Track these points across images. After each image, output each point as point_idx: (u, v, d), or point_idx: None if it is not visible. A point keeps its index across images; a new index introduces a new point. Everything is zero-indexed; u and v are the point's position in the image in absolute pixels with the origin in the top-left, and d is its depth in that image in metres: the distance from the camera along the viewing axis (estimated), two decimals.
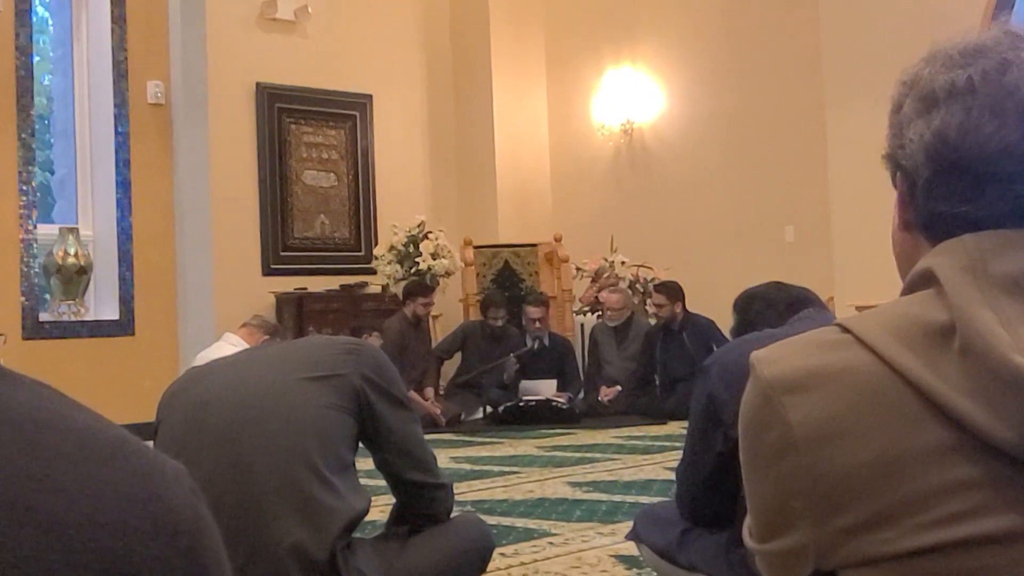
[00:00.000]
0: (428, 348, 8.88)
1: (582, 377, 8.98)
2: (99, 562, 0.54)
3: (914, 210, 1.01)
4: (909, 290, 0.98)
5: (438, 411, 8.26)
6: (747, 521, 1.02)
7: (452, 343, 9.07)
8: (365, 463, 2.56)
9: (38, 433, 0.57)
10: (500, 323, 8.88)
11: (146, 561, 0.56)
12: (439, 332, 9.78)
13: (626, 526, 3.51)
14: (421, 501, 2.61)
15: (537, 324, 8.80)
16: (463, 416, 8.54)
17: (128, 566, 0.55)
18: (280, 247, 9.95)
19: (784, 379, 0.94)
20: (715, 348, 6.57)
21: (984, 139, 0.95)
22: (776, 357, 0.96)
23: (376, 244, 10.05)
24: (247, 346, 4.46)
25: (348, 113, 10.42)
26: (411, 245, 9.54)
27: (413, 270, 9.40)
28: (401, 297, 8.83)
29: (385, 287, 9.67)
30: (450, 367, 9.22)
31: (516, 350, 8.69)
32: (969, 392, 0.87)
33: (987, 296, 0.90)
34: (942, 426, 0.88)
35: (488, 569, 2.90)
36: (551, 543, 3.96)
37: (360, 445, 2.52)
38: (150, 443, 2.51)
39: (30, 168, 7.77)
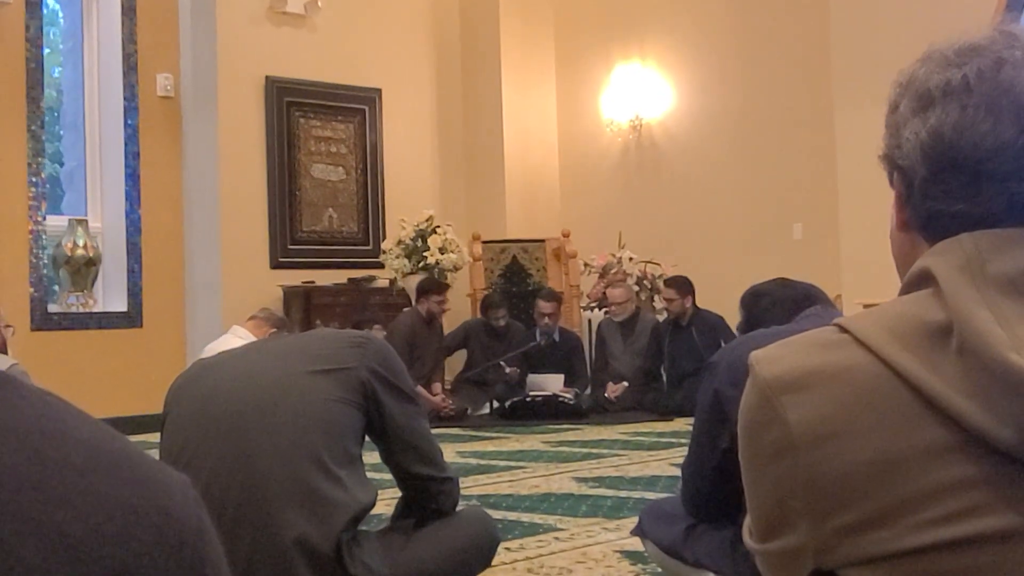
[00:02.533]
0: (439, 345, 8.86)
1: (589, 373, 8.98)
2: (104, 573, 0.55)
3: (911, 209, 1.02)
4: (907, 290, 0.98)
5: (446, 406, 8.26)
6: (747, 521, 1.03)
7: (452, 341, 9.06)
8: (371, 456, 2.57)
9: (44, 444, 0.57)
10: (502, 322, 8.89)
11: (151, 572, 0.57)
12: (446, 326, 9.77)
13: (631, 522, 3.52)
14: (427, 494, 2.62)
15: (547, 320, 8.80)
16: (470, 411, 8.54)
17: None
18: (288, 240, 9.96)
19: (782, 379, 0.94)
20: (723, 344, 6.57)
21: (980, 137, 0.95)
22: (775, 357, 0.97)
23: (384, 238, 10.05)
24: (254, 339, 4.46)
25: (357, 107, 10.42)
26: (419, 239, 9.54)
27: (421, 264, 9.40)
28: (415, 293, 8.80)
29: (393, 281, 9.67)
30: (458, 361, 9.22)
31: (521, 345, 8.70)
32: (967, 391, 0.87)
33: (984, 296, 0.90)
34: (940, 425, 0.88)
35: (493, 563, 2.90)
36: (556, 538, 3.96)
37: (367, 439, 2.52)
38: (157, 435, 2.52)
39: (39, 160, 7.79)
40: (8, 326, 5.14)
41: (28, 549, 0.53)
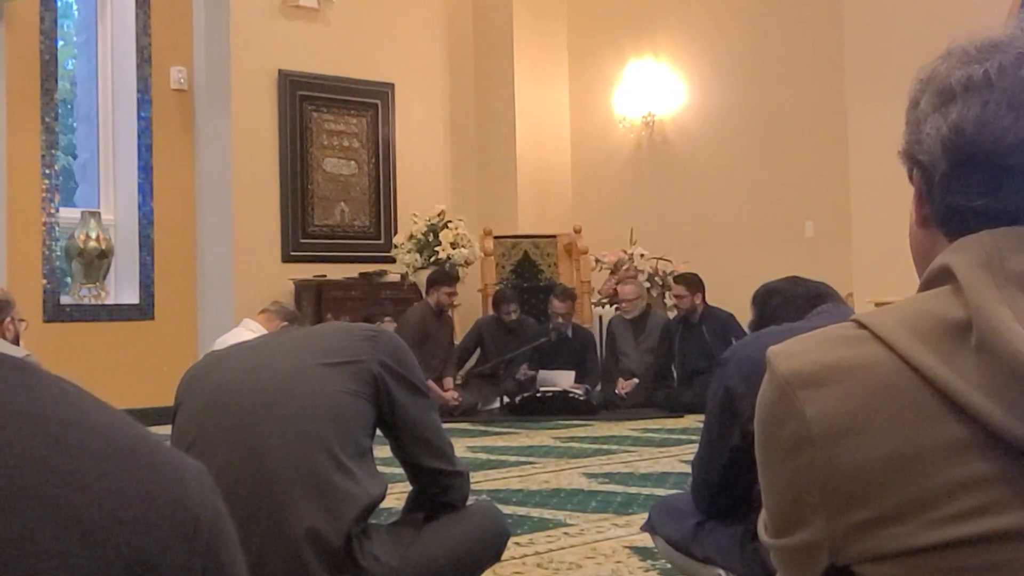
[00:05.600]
0: (450, 338, 8.86)
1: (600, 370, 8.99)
2: (121, 558, 0.55)
3: (931, 205, 1.01)
4: (926, 286, 0.98)
5: (455, 403, 8.26)
6: (762, 515, 1.02)
7: (469, 342, 9.08)
8: (382, 450, 2.57)
9: (63, 430, 0.58)
10: (514, 317, 8.90)
11: (167, 559, 0.57)
12: (457, 321, 9.78)
13: (641, 518, 3.52)
14: (437, 488, 2.61)
15: (560, 318, 8.80)
16: (480, 406, 8.55)
17: (149, 563, 0.56)
18: (300, 234, 9.97)
19: (800, 374, 0.94)
20: (734, 342, 6.56)
21: (1001, 132, 0.95)
22: (793, 352, 0.96)
23: (396, 232, 10.06)
24: (265, 332, 4.47)
25: (370, 101, 10.43)
26: (431, 234, 9.55)
27: (432, 259, 9.41)
28: (425, 285, 8.81)
29: (404, 275, 9.68)
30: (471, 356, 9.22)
31: (533, 340, 8.70)
32: (985, 389, 0.87)
33: (1004, 293, 0.90)
34: (958, 422, 0.88)
35: (503, 558, 2.90)
36: (566, 533, 3.97)
37: (378, 432, 2.52)
38: (168, 427, 2.53)
39: (53, 152, 7.82)
40: (22, 320, 5.16)
41: (45, 533, 0.53)
